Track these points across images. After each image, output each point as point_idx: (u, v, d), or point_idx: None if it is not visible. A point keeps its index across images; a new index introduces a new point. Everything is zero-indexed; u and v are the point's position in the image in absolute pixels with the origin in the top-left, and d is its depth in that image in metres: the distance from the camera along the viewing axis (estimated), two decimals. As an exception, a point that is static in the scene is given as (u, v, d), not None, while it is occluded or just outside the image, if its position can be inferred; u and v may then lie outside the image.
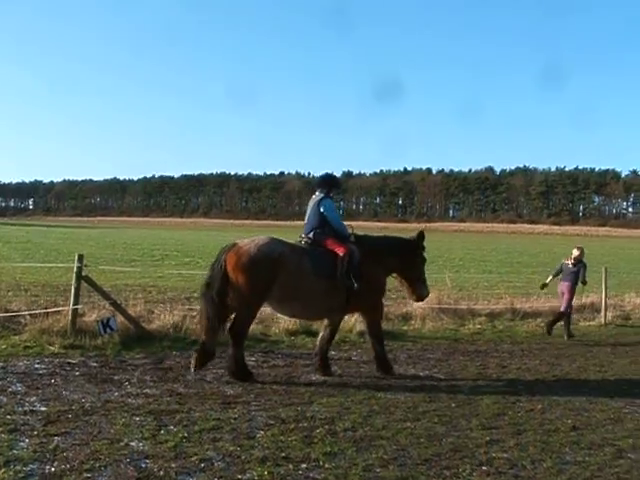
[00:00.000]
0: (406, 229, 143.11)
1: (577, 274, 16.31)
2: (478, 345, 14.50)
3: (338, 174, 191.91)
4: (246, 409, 8.65)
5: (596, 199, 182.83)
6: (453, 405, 9.36)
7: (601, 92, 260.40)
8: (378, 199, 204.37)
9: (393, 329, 15.40)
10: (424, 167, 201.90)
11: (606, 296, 18.83)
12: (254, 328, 13.65)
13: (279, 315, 12.99)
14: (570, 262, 16.55)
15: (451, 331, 15.82)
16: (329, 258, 10.18)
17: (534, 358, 13.21)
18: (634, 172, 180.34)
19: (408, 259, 11.13)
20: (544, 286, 17.19)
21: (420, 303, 13.95)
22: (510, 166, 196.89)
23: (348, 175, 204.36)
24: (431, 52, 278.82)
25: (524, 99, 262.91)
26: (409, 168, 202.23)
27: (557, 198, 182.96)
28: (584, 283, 16.52)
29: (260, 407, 8.79)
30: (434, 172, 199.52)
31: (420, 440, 7.67)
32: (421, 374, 11.42)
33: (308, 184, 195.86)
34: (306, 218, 10.87)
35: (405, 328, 16.01)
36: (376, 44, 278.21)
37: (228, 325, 10.13)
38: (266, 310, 15.04)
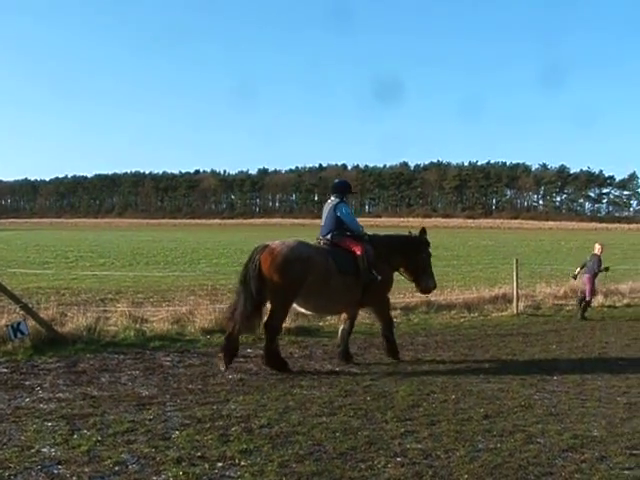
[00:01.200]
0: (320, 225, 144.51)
1: (593, 266, 18.76)
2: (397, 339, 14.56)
3: (253, 172, 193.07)
4: (161, 410, 8.58)
5: (508, 192, 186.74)
6: (368, 399, 9.43)
7: (522, 89, 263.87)
8: (294, 196, 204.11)
9: (309, 325, 15.38)
10: (339, 163, 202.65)
11: (517, 287, 19.23)
12: (169, 328, 13.66)
13: (194, 315, 14.57)
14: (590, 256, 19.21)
15: (366, 325, 15.87)
16: (349, 257, 11.14)
17: (448, 350, 13.40)
18: (544, 166, 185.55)
19: (412, 255, 12.13)
20: (575, 277, 19.97)
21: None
22: (424, 161, 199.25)
23: (263, 172, 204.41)
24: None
25: (436, 94, 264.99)
26: (324, 164, 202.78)
27: (470, 192, 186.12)
28: (599, 271, 18.92)
29: (176, 407, 8.73)
30: (349, 168, 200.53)
31: (336, 434, 7.72)
32: (337, 369, 11.44)
33: (224, 182, 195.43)
34: (322, 221, 11.80)
35: (321, 324, 15.98)
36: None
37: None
38: (181, 309, 15.06)
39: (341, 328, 12.02)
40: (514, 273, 19.49)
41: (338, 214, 11.54)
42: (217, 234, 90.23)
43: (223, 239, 69.60)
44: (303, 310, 11.96)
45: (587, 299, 18.62)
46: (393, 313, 17.04)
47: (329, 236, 11.53)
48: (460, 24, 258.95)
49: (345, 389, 9.96)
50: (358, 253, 11.15)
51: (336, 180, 12.81)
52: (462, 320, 17.49)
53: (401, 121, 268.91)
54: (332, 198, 11.88)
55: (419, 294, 14.00)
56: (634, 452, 7.28)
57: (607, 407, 9.20)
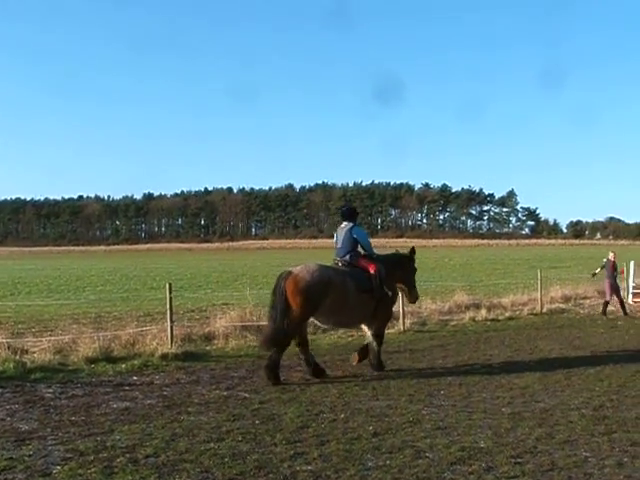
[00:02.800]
0: (208, 249, 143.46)
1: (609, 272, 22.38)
2: (282, 360, 14.46)
3: (138, 196, 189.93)
4: (42, 444, 8.25)
5: (393, 212, 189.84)
6: (257, 422, 9.31)
7: (416, 117, 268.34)
8: (180, 220, 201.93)
9: (196, 350, 15.18)
10: (225, 186, 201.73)
11: (404, 304, 19.40)
12: (51, 358, 13.23)
13: (78, 344, 14.37)
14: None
15: (255, 348, 15.73)
16: (364, 275, 12.40)
17: (336, 369, 13.33)
18: (426, 185, 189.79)
19: (407, 270, 13.68)
20: (594, 275, 23.78)
21: (224, 323, 16.45)
22: (310, 182, 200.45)
23: (149, 197, 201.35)
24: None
25: (325, 116, 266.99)
26: (210, 188, 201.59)
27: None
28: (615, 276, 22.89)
29: (57, 441, 8.41)
30: (235, 191, 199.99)
31: (224, 460, 7.58)
32: (225, 393, 11.26)
33: (108, 207, 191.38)
34: (339, 243, 12.95)
35: (208, 348, 15.80)
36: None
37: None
38: (64, 339, 14.59)
39: (368, 342, 13.18)
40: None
41: (355, 236, 12.76)
42: (102, 261, 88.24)
43: (108, 266, 68.01)
44: (323, 325, 14.12)
45: (608, 299, 22.33)
46: None
47: (347, 257, 12.74)
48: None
49: (233, 413, 9.82)
50: (372, 272, 12.39)
51: (344, 207, 14.19)
52: (350, 339, 17.43)
53: (284, 143, 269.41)
54: (345, 223, 13.03)
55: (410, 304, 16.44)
56: (519, 460, 7.43)
57: (492, 418, 9.36)
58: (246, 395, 11.13)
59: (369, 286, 12.31)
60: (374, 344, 12.97)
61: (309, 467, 7.30)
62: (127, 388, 11.61)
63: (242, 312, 18.75)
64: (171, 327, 15.56)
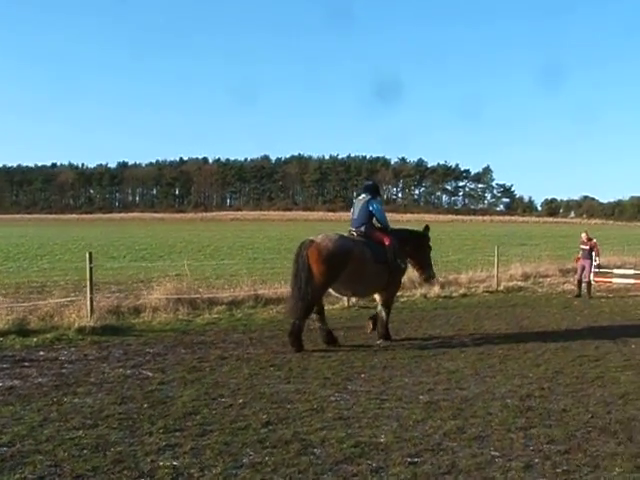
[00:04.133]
0: (182, 219, 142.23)
1: (591, 252, 21.85)
2: (207, 336, 13.57)
3: (113, 165, 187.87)
4: None
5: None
6: (145, 406, 8.41)
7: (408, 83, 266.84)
8: (155, 190, 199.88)
9: (118, 323, 14.28)
10: (200, 157, 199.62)
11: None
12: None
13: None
14: (582, 244, 22.13)
15: (183, 322, 14.86)
16: (380, 247, 12.63)
17: (260, 347, 12.42)
18: (402, 159, 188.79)
19: (420, 246, 13.79)
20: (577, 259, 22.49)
21: (158, 295, 16.28)
22: (285, 154, 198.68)
23: (123, 166, 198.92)
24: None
25: (310, 89, 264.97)
26: (185, 158, 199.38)
27: (331, 185, 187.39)
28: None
29: None
30: (210, 161, 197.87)
31: (83, 452, 6.67)
32: (128, 372, 10.33)
33: (82, 175, 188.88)
34: (355, 214, 13.15)
35: (135, 321, 14.88)
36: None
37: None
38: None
39: (379, 310, 13.40)
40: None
41: (371, 209, 12.95)
42: (72, 229, 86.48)
43: (76, 234, 66.45)
44: (340, 294, 14.35)
45: (587, 279, 21.72)
46: (217, 309, 16.36)
47: (362, 228, 12.92)
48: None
49: (124, 395, 8.91)
50: (387, 244, 12.65)
51: (367, 182, 14.83)
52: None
53: (263, 115, 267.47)
54: (363, 195, 13.27)
55: (421, 282, 16.79)
56: (415, 460, 6.54)
57: (405, 407, 8.49)
58: (149, 374, 10.23)
59: (384, 258, 12.57)
60: (383, 314, 13.22)
61: (174, 462, 6.39)
62: (26, 364, 10.70)
63: (179, 284, 17.71)
64: (91, 299, 14.56)
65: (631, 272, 25.15)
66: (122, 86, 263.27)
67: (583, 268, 21.72)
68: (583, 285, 21.61)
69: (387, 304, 13.30)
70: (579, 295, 21.22)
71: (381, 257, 12.57)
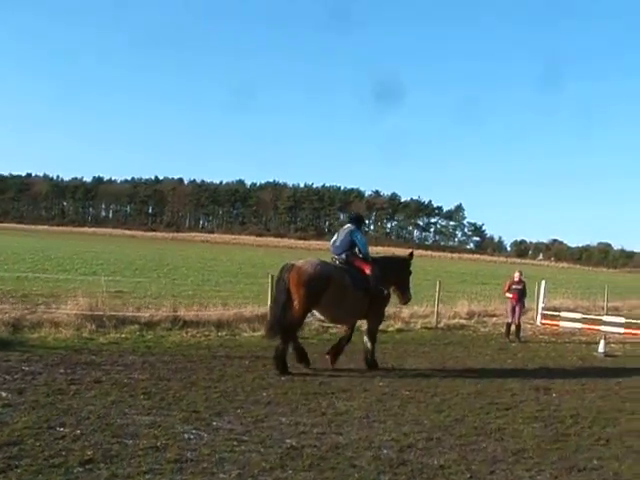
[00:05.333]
0: (153, 238, 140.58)
1: (523, 292, 20.40)
2: (99, 356, 12.68)
3: (88, 179, 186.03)
4: None
5: (341, 216, 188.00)
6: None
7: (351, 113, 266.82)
8: (128, 207, 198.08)
9: (9, 337, 13.52)
10: (176, 177, 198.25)
11: (269, 302, 17.42)
12: None
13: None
14: (514, 284, 20.54)
15: (83, 340, 13.94)
16: (361, 274, 12.90)
17: (148, 372, 11.46)
18: (376, 192, 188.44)
19: (402, 273, 14.08)
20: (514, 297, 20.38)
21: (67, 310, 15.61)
22: (261, 180, 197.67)
23: (98, 181, 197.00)
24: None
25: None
26: (160, 177, 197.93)
27: (304, 213, 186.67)
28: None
29: None
30: (186, 182, 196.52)
31: None
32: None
33: (57, 187, 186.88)
34: (338, 242, 13.47)
35: (31, 336, 13.96)
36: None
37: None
38: None
39: (343, 336, 13.80)
40: (269, 290, 17.65)
41: (353, 238, 13.28)
42: (38, 240, 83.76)
43: (40, 245, 64.24)
44: (321, 319, 14.52)
45: (517, 322, 20.00)
46: (130, 328, 15.26)
47: (343, 256, 13.22)
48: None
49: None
50: (368, 272, 12.91)
51: (353, 213, 15.84)
52: (202, 339, 15.57)
53: (242, 138, 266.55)
54: (348, 225, 13.64)
55: (400, 305, 16.46)
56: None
57: (261, 452, 7.52)
58: (3, 394, 9.17)
59: (365, 285, 12.75)
60: (368, 343, 13.45)
61: None
62: None
63: (94, 300, 16.60)
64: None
65: (578, 316, 24.32)
66: (104, 99, 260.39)
67: (514, 309, 20.06)
68: (513, 328, 20.00)
69: (371, 333, 13.51)
70: (511, 341, 19.56)
71: (361, 284, 12.75)
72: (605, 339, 18.39)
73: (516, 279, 20.63)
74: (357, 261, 13.23)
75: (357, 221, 13.94)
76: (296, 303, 12.20)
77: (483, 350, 17.25)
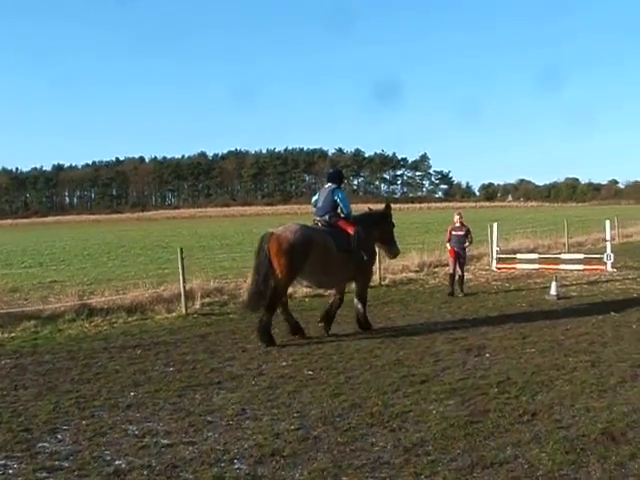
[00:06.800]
0: (118, 220, 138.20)
1: (465, 238, 17.85)
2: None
3: (48, 168, 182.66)
4: None
5: (306, 177, 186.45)
6: None
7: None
8: (92, 192, 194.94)
9: None
10: (136, 156, 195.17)
11: (184, 281, 15.62)
12: None
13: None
14: (454, 230, 17.96)
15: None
16: (344, 236, 12.25)
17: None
18: (340, 150, 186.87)
19: (385, 227, 13.48)
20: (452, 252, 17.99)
21: None
22: (222, 150, 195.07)
23: (59, 168, 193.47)
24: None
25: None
26: (121, 158, 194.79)
27: (269, 179, 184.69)
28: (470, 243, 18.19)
29: None
30: (147, 160, 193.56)
31: None
32: None
33: (16, 179, 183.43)
34: (319, 203, 12.78)
35: None
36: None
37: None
38: None
39: (331, 302, 12.97)
40: (179, 266, 15.82)
41: (335, 198, 12.58)
42: None
43: None
44: (306, 285, 13.42)
45: (460, 272, 17.63)
46: (28, 324, 13.51)
47: (326, 217, 12.54)
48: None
49: None
50: (351, 232, 12.25)
51: (330, 170, 14.35)
52: (105, 328, 13.91)
53: (198, 111, 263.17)
54: (329, 184, 12.89)
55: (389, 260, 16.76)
56: None
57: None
58: None
59: (348, 246, 12.16)
60: (359, 305, 12.86)
61: None
62: None
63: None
64: None
65: (535, 256, 22.73)
66: (55, 87, 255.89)
67: (456, 258, 17.71)
68: (457, 279, 17.66)
69: (361, 295, 12.92)
70: (452, 293, 17.26)
71: (344, 245, 12.14)
72: (557, 280, 16.65)
73: (457, 224, 18.07)
74: (341, 222, 12.58)
75: (337, 178, 13.18)
76: (278, 272, 11.50)
77: (424, 306, 15.56)
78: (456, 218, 18.23)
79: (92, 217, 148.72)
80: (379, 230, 13.33)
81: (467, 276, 20.28)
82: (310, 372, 9.52)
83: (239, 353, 11.08)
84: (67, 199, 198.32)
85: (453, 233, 18.00)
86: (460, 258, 17.77)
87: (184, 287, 15.58)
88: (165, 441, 6.77)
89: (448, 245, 18.03)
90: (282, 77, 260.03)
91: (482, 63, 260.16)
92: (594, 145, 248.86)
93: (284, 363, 10.22)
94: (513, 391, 8.07)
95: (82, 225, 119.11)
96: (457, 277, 17.53)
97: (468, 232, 17.95)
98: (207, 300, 16.65)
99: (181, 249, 16.13)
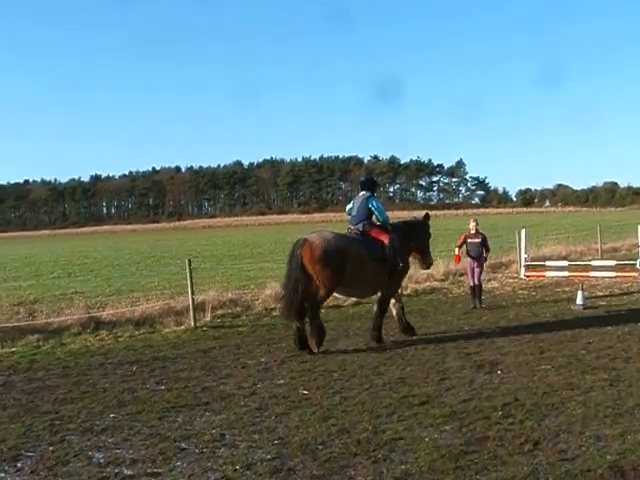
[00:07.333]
0: (155, 229, 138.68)
1: (482, 247, 16.60)
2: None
3: (85, 179, 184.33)
4: None
5: (342, 185, 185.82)
6: None
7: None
8: (129, 201, 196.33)
9: None
10: (172, 165, 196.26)
11: (192, 293, 15.10)
12: None
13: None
14: (470, 237, 16.75)
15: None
16: (378, 245, 11.98)
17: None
18: (375, 157, 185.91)
19: (421, 237, 13.20)
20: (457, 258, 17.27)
21: None
22: (258, 159, 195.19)
23: (96, 179, 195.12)
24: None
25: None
26: (157, 167, 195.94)
27: (305, 187, 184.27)
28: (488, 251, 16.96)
29: None
30: (183, 170, 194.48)
31: None
32: None
33: (55, 190, 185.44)
34: (354, 211, 12.50)
35: None
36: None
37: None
38: None
39: (395, 311, 12.78)
40: (188, 277, 15.30)
41: (370, 206, 12.32)
42: (34, 246, 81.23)
43: (33, 251, 61.86)
44: (339, 295, 13.50)
45: (477, 283, 16.56)
46: (33, 337, 13.22)
47: (360, 226, 12.28)
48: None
49: None
50: (386, 242, 11.98)
51: (363, 177, 13.85)
52: (108, 342, 13.52)
53: (235, 121, 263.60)
54: (363, 192, 12.63)
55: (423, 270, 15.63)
56: None
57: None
58: None
59: (382, 255, 11.90)
60: (378, 314, 12.39)
61: None
62: None
63: None
64: None
65: (564, 263, 21.84)
66: (91, 96, 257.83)
67: (474, 270, 16.55)
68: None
69: (383, 304, 12.49)
70: (475, 306, 16.22)
71: (378, 254, 11.88)
72: (583, 289, 15.82)
73: (472, 231, 16.78)
74: (374, 231, 12.33)
75: (371, 186, 12.96)
76: (318, 282, 11.35)
77: (443, 318, 14.84)
78: (472, 225, 16.95)
79: (129, 227, 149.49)
80: (415, 240, 13.06)
81: (494, 285, 19.70)
82: (305, 392, 8.88)
83: (238, 370, 10.48)
84: (105, 209, 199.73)
85: (469, 241, 16.72)
86: (476, 268, 16.55)
87: (193, 299, 15.06)
88: (128, 472, 6.20)
89: (457, 250, 16.80)
90: (292, 85, 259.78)
91: (515, 71, 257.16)
92: (633, 148, 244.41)
93: (281, 381, 9.60)
94: (519, 415, 7.34)
95: (119, 235, 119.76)
96: (475, 287, 16.52)
97: (485, 241, 16.69)
98: (220, 312, 16.16)
99: (189, 260, 15.64)
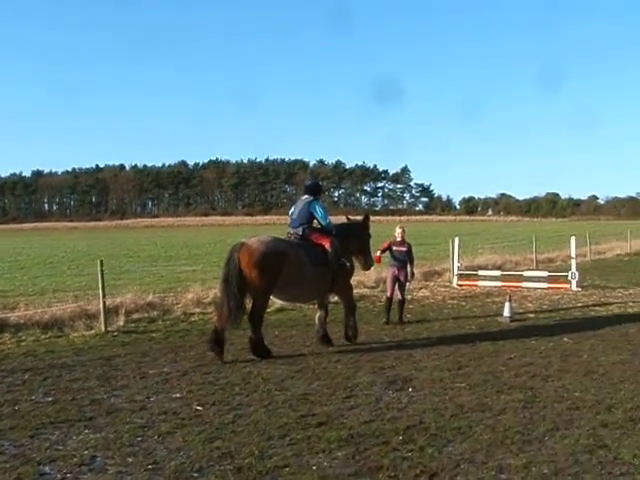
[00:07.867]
0: (96, 227, 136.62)
1: (408, 255, 15.26)
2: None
3: (27, 174, 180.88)
4: None
5: (287, 188, 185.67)
6: None
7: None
8: (71, 198, 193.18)
9: None
10: (117, 163, 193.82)
11: (104, 295, 14.31)
12: None
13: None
14: (395, 245, 15.32)
15: None
16: (319, 249, 11.84)
17: None
18: (321, 161, 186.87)
19: (362, 238, 12.97)
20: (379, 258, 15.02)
21: None
22: (203, 159, 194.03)
23: (38, 174, 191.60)
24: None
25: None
26: (101, 165, 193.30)
27: (250, 189, 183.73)
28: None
29: None
30: (127, 168, 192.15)
31: None
32: None
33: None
34: (295, 215, 12.28)
35: None
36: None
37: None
38: None
39: (317, 316, 12.49)
40: (99, 279, 14.51)
41: (312, 210, 12.14)
42: None
43: None
44: (279, 300, 13.04)
45: (400, 297, 15.30)
46: None
47: (299, 230, 12.08)
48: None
49: None
50: (327, 246, 11.81)
51: (307, 181, 13.81)
52: (10, 346, 12.62)
53: (177, 120, 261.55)
54: (306, 196, 12.45)
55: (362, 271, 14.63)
56: None
57: None
58: None
59: (324, 260, 11.73)
60: (350, 318, 12.56)
61: None
62: None
63: None
64: None
65: (497, 273, 21.57)
66: (34, 92, 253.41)
67: (396, 281, 15.28)
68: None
69: (349, 307, 12.63)
70: (387, 322, 14.85)
71: (320, 259, 11.72)
72: (511, 300, 15.40)
73: (398, 238, 15.30)
74: (315, 235, 12.15)
75: (315, 191, 12.71)
76: (253, 287, 11.01)
77: (365, 327, 14.00)
78: (398, 232, 15.45)
79: (70, 224, 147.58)
80: (356, 241, 12.85)
81: (424, 293, 19.28)
82: (199, 407, 8.19)
83: (135, 380, 9.74)
84: (46, 206, 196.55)
85: (394, 248, 15.24)
86: (401, 278, 15.24)
87: (104, 302, 14.25)
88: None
89: (378, 252, 14.82)
90: (282, 85, 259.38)
91: (480, 74, 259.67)
92: (575, 160, 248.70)
93: (177, 394, 8.88)
94: (420, 440, 6.75)
95: (59, 232, 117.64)
96: (398, 300, 15.29)
97: (410, 250, 15.35)
98: (136, 316, 15.41)
99: (101, 261, 14.77)
